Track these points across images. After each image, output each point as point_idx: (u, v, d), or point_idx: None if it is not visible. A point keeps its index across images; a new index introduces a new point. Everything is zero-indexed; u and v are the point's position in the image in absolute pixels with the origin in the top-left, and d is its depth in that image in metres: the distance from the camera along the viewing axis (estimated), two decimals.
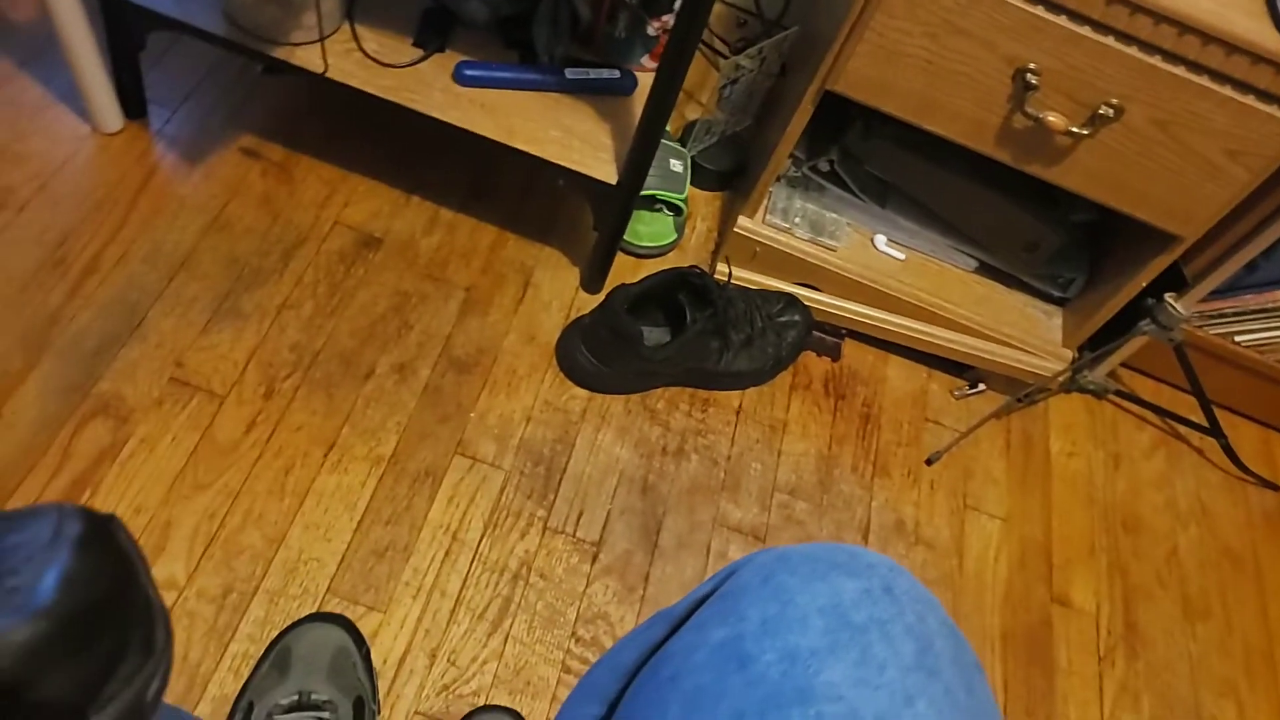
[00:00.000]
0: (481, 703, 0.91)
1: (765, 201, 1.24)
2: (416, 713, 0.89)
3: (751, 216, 1.22)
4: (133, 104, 1.19)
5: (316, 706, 0.79)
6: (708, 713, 0.35)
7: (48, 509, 0.28)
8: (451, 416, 1.09)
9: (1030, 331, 1.27)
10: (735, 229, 1.22)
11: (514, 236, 1.26)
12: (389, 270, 1.18)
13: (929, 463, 1.24)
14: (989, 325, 1.25)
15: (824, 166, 1.23)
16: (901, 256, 1.26)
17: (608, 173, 1.10)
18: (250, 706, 0.80)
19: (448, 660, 0.93)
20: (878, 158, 1.21)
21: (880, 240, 1.26)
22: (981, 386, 1.34)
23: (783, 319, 1.22)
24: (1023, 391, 1.30)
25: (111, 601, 0.27)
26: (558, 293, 1.23)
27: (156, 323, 1.05)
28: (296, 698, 0.79)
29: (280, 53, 1.05)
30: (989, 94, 1.00)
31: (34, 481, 0.92)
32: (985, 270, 1.29)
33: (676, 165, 1.31)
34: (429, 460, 1.05)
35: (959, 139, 1.05)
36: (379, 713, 0.87)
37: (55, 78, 1.21)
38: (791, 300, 1.23)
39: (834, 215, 1.25)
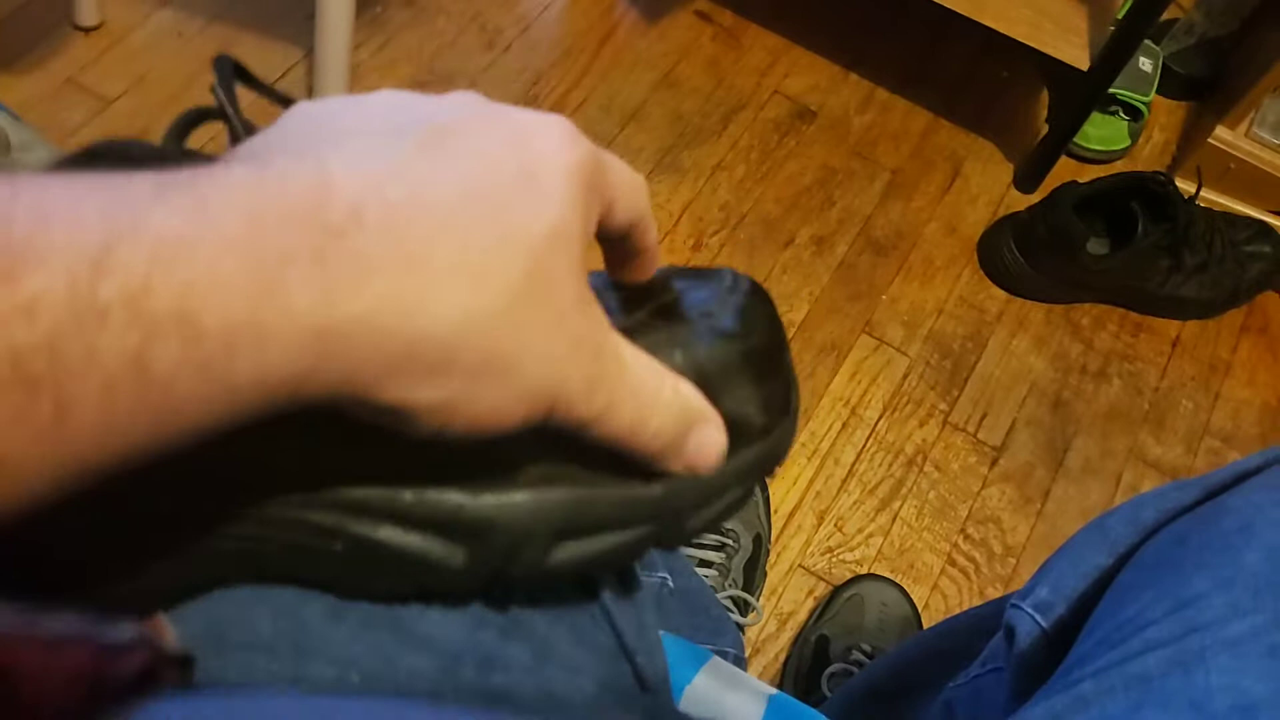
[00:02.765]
0: (863, 572, 0.92)
1: (1252, 114, 1.08)
2: (800, 566, 0.93)
3: (1233, 129, 1.08)
4: None
5: (722, 533, 0.84)
6: None
7: (723, 270, 0.33)
8: (863, 295, 1.08)
9: None
10: (1210, 140, 1.08)
11: (948, 124, 1.21)
12: (819, 144, 1.18)
13: None
14: None
15: None
16: None
17: (1079, 58, 1.01)
18: None
19: (834, 525, 0.95)
20: None
21: None
22: None
23: (1249, 249, 1.07)
24: None
25: (774, 347, 0.31)
26: (987, 187, 1.17)
27: None
28: None
29: None
30: None
31: None
32: None
33: (1146, 64, 1.18)
34: (836, 334, 1.06)
35: None
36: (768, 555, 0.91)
37: None
38: (1264, 229, 1.08)
39: None
